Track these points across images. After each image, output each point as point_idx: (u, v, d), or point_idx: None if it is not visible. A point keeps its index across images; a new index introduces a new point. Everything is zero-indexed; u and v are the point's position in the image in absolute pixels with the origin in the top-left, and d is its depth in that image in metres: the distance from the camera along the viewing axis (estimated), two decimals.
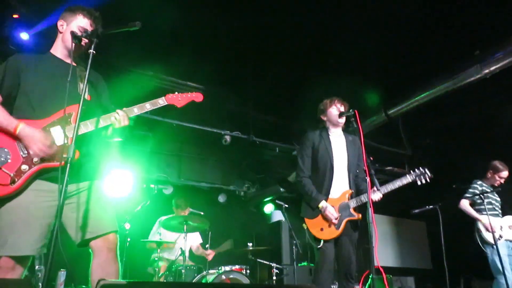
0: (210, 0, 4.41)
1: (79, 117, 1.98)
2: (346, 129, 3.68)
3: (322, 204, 3.33)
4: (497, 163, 4.92)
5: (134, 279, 5.67)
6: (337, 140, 3.59)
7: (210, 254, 5.42)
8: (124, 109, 2.30)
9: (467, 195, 4.86)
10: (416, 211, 4.73)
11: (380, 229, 8.67)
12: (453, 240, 5.16)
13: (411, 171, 3.61)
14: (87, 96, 2.21)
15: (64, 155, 1.91)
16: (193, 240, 5.75)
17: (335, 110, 3.56)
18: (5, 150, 2.05)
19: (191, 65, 5.42)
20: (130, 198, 6.49)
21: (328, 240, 3.31)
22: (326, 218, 3.33)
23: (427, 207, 4.64)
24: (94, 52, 2.07)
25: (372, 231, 2.79)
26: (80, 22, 2.32)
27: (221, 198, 7.79)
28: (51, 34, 2.46)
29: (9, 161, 2.03)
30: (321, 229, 3.32)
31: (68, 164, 1.87)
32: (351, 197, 3.44)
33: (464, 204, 4.85)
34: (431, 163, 7.57)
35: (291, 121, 6.73)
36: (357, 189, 3.51)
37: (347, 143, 3.59)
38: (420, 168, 3.60)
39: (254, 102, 6.13)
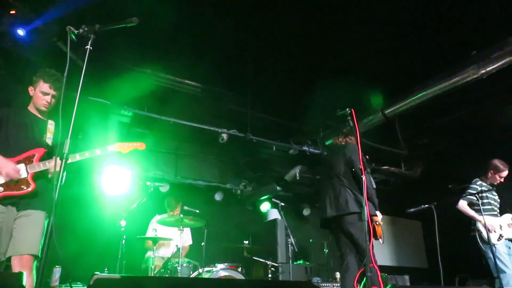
0: None
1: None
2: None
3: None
4: (497, 163, 4.84)
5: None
6: None
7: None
8: (77, 154, 2.73)
9: (465, 195, 4.81)
10: (412, 210, 4.72)
11: None
12: (449, 239, 5.17)
13: None
14: (49, 142, 2.86)
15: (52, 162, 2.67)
16: (185, 239, 5.70)
17: None
18: None
19: (189, 63, 5.41)
20: (126, 195, 6.48)
21: None
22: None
23: (422, 206, 4.64)
24: (91, 48, 2.09)
25: (367, 230, 2.80)
26: (41, 88, 2.86)
27: (218, 196, 7.77)
28: (46, 31, 2.46)
29: None
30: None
31: (63, 162, 1.91)
32: None
33: (462, 205, 4.80)
34: (428, 162, 7.65)
35: (288, 120, 6.73)
36: None
37: None
38: None
39: (252, 100, 6.13)
